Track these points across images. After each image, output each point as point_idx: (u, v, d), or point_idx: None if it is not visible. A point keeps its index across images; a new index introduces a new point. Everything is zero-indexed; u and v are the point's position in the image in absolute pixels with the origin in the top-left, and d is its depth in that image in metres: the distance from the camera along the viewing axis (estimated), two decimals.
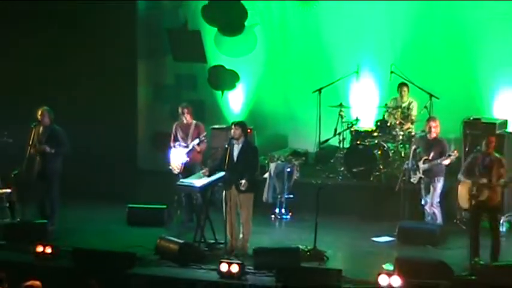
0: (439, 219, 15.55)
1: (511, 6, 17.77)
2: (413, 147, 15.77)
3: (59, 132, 15.82)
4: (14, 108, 18.23)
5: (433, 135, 15.39)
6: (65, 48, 18.77)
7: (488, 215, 13.96)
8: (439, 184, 15.41)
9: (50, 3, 18.75)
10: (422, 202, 15.67)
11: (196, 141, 16.13)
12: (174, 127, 16.52)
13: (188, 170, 16.01)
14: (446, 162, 15.26)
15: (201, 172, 14.92)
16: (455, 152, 15.24)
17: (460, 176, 14.19)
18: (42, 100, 16.28)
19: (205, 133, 16.33)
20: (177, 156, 16.23)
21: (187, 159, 16.16)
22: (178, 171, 16.17)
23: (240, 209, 14.43)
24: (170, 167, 16.33)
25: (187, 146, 16.19)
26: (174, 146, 16.32)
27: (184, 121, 16.42)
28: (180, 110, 16.47)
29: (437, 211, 15.52)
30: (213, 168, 14.81)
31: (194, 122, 16.49)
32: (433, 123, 15.41)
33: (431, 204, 15.46)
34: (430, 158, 15.28)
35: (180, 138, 16.37)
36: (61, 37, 18.73)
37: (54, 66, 18.76)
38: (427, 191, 15.54)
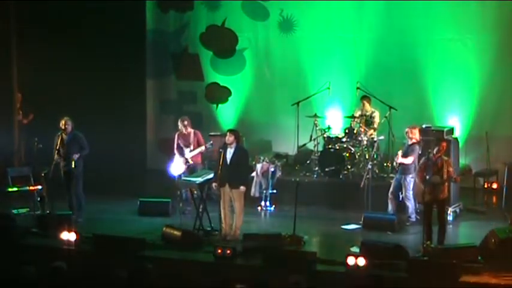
0: (410, 211, 15.47)
1: (456, 35, 18.00)
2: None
3: (81, 138, 15.69)
4: (43, 118, 18.15)
5: (410, 141, 15.44)
6: (87, 70, 18.70)
7: (438, 207, 13.98)
8: (407, 181, 15.31)
9: (74, 37, 18.79)
10: (389, 194, 15.55)
11: (202, 147, 16.28)
12: (176, 137, 16.52)
13: (191, 169, 16.14)
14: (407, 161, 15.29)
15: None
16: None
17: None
18: (67, 111, 16.14)
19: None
20: (180, 163, 16.30)
21: (191, 162, 16.24)
22: (182, 171, 16.19)
23: (234, 203, 14.38)
24: (172, 172, 16.30)
25: (191, 151, 16.29)
26: (178, 154, 16.39)
27: (184, 131, 16.43)
28: (180, 123, 16.51)
29: (409, 203, 15.39)
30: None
31: (192, 130, 16.50)
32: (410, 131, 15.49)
33: (405, 197, 15.40)
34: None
35: (183, 146, 16.39)
36: (84, 62, 18.64)
37: (79, 84, 18.72)
38: (395, 186, 15.48)
